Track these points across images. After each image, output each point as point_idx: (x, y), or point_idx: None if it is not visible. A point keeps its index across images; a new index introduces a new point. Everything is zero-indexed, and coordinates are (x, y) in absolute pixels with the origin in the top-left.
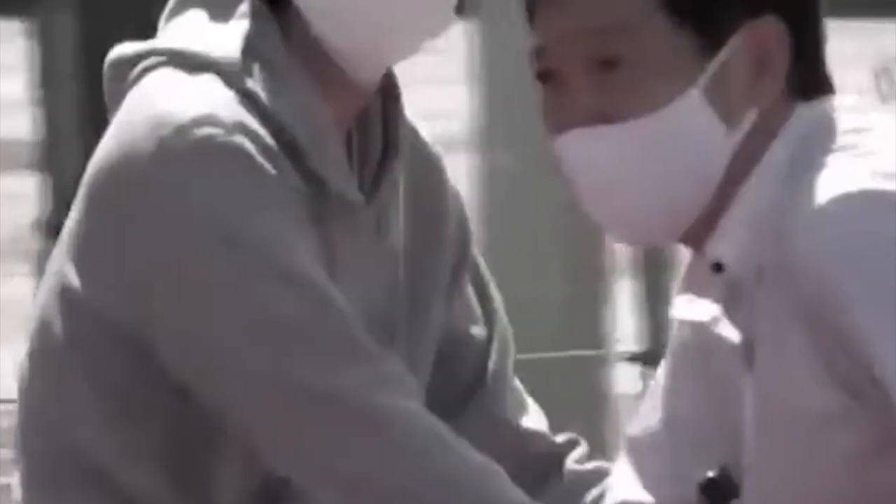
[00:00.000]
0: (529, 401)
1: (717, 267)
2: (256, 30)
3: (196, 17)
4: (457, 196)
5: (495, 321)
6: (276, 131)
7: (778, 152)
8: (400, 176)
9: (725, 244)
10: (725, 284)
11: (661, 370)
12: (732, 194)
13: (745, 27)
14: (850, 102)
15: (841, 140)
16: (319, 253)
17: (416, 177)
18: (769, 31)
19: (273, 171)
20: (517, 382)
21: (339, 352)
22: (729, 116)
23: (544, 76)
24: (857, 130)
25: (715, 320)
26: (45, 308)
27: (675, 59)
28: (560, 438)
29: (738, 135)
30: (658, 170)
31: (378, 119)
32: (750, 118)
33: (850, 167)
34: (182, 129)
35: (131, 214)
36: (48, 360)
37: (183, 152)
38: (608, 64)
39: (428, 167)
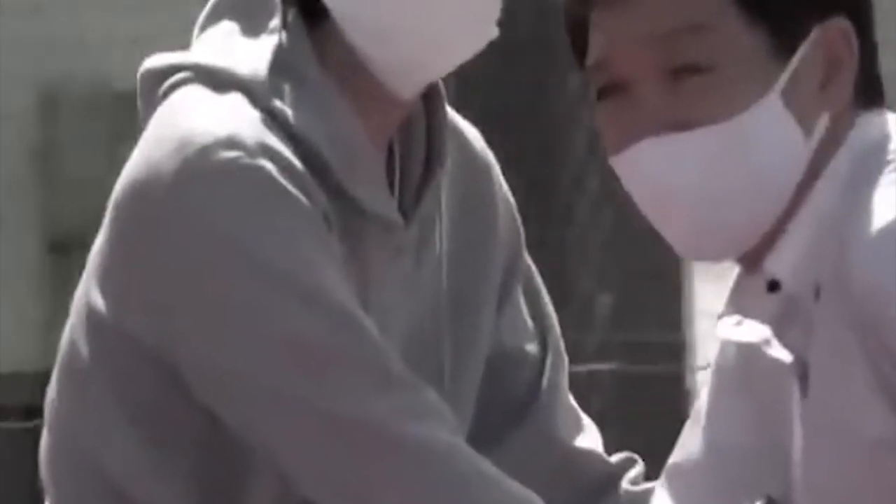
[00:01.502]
0: (585, 419)
1: (773, 285)
2: (287, 45)
3: (228, 29)
4: (507, 203)
5: (549, 335)
6: (303, 151)
7: (841, 163)
8: (444, 184)
9: (784, 260)
10: (780, 303)
11: (705, 394)
12: (794, 207)
13: (818, 28)
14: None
15: None
16: (353, 274)
17: (464, 183)
18: (840, 33)
19: (297, 193)
20: (571, 399)
21: (366, 379)
22: (804, 122)
23: (608, 90)
24: None
25: (766, 341)
26: (73, 329)
27: (752, 61)
28: (616, 458)
29: (813, 142)
30: (737, 178)
31: (422, 128)
32: (823, 124)
33: None
34: (205, 152)
35: (154, 235)
36: (76, 380)
37: (205, 175)
38: (683, 70)
39: (476, 173)
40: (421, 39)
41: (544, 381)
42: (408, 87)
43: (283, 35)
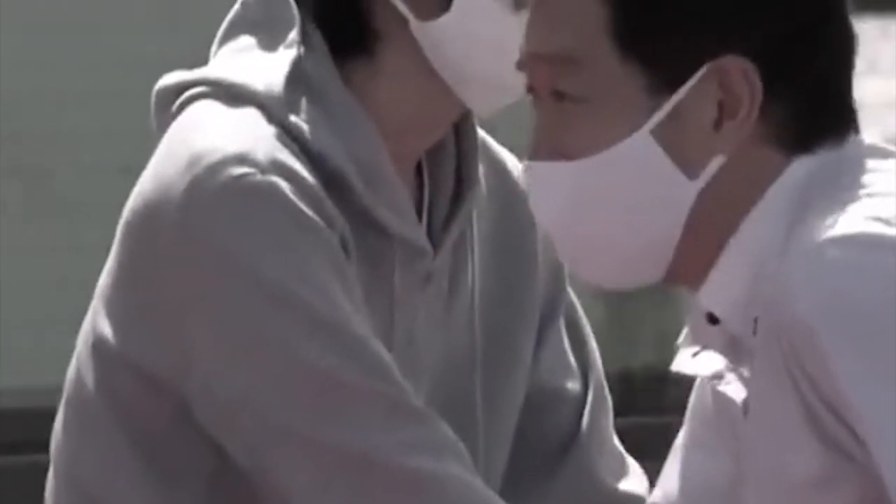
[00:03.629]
0: (630, 462)
1: (713, 319)
2: (306, 60)
3: (246, 44)
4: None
5: (591, 373)
6: (321, 170)
7: (779, 198)
8: (478, 212)
9: (718, 295)
10: (725, 336)
11: (683, 429)
12: (721, 244)
13: (707, 67)
14: (870, 144)
15: (848, 185)
16: (377, 301)
17: (500, 211)
18: (734, 72)
19: (311, 214)
20: (616, 440)
21: (378, 411)
22: (687, 161)
23: (529, 91)
24: (871, 171)
25: (718, 375)
26: (79, 359)
27: (625, 97)
28: None
29: (701, 182)
30: (606, 213)
31: (452, 152)
32: (715, 165)
33: (848, 212)
34: (215, 169)
35: (163, 258)
36: (82, 413)
37: (214, 193)
38: (559, 96)
39: (513, 201)
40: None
41: (585, 421)
42: (488, 105)
43: (302, 49)
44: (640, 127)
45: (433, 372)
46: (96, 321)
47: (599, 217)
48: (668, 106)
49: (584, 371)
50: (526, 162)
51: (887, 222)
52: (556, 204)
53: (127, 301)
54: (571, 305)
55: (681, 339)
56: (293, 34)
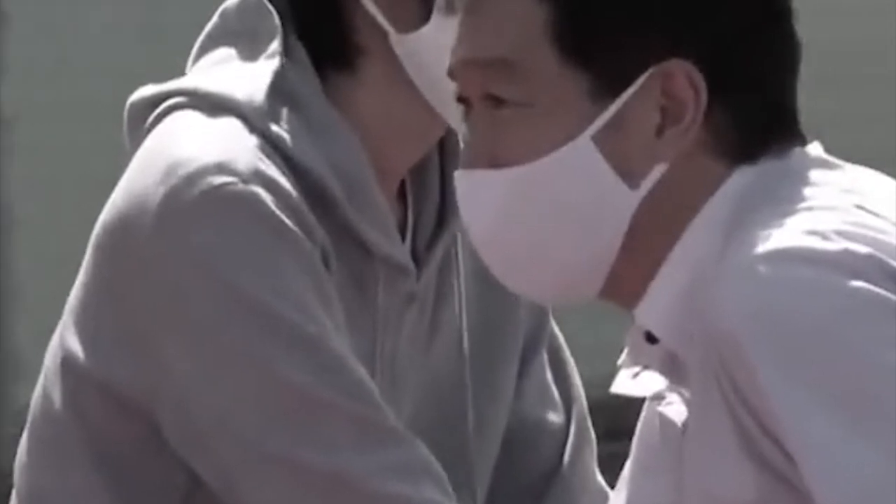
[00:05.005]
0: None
1: (651, 337)
2: (288, 71)
3: (224, 55)
4: None
5: (574, 406)
6: (303, 181)
7: (719, 209)
8: (462, 236)
9: (655, 311)
10: (664, 354)
11: (630, 457)
12: (660, 257)
13: (650, 73)
14: (816, 156)
15: (788, 197)
16: (358, 318)
17: None
18: (678, 76)
19: (292, 226)
20: (599, 477)
21: (351, 432)
22: (628, 169)
23: (460, 101)
24: (814, 184)
25: (659, 396)
26: (46, 380)
27: (565, 102)
28: None
29: (642, 191)
30: (542, 223)
31: (436, 174)
32: (656, 173)
33: (785, 225)
34: (192, 178)
35: (135, 271)
36: (48, 433)
37: (192, 202)
38: (496, 101)
39: None
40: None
41: (567, 454)
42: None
43: (284, 60)
44: (581, 133)
45: (415, 394)
46: (65, 337)
47: (534, 227)
48: (610, 111)
49: (567, 404)
50: (457, 172)
51: (824, 236)
52: (487, 214)
53: (98, 316)
54: (555, 337)
55: (621, 359)
56: (274, 45)
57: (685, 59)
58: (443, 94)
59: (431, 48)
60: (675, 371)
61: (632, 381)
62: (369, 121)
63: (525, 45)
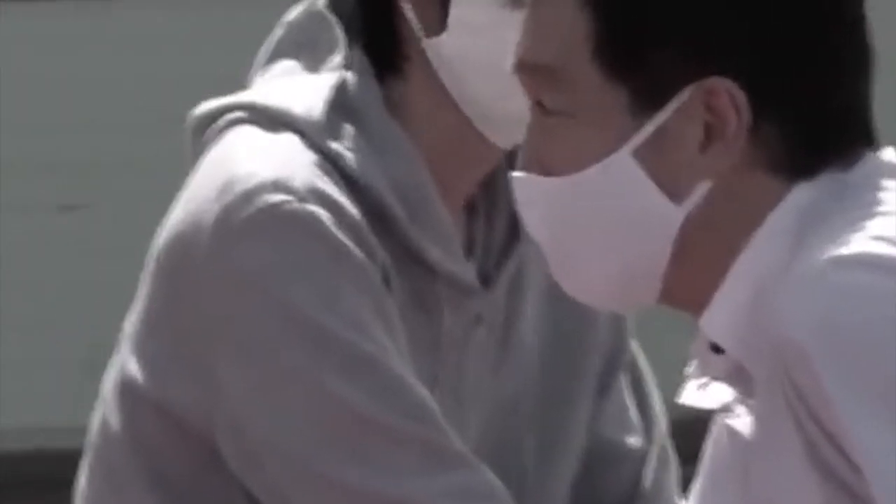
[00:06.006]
0: None
1: (716, 347)
2: (349, 84)
3: (286, 68)
4: None
5: (654, 429)
6: (363, 199)
7: (776, 227)
8: (535, 254)
9: (719, 322)
10: (730, 365)
11: (699, 473)
12: (719, 270)
13: (691, 88)
14: (887, 161)
15: (855, 205)
16: (421, 340)
17: None
18: (719, 94)
19: (350, 245)
20: (679, 500)
21: (413, 456)
22: (672, 185)
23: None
24: (882, 190)
25: (727, 408)
26: (105, 405)
27: (606, 114)
28: None
29: (687, 206)
30: (588, 233)
31: (505, 189)
32: (702, 189)
33: (852, 232)
34: (248, 196)
35: (191, 291)
36: (107, 457)
37: (247, 221)
38: (543, 108)
39: None
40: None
41: (647, 479)
42: (513, 136)
43: (346, 73)
44: (621, 147)
45: (482, 416)
46: (124, 361)
47: (581, 237)
48: (650, 126)
49: (647, 427)
50: (513, 174)
51: (892, 242)
52: (541, 218)
53: (156, 339)
54: (634, 359)
55: (689, 368)
56: (336, 57)
57: (728, 75)
58: (469, 104)
59: (451, 56)
60: (741, 382)
61: (699, 393)
62: (424, 134)
63: (568, 53)
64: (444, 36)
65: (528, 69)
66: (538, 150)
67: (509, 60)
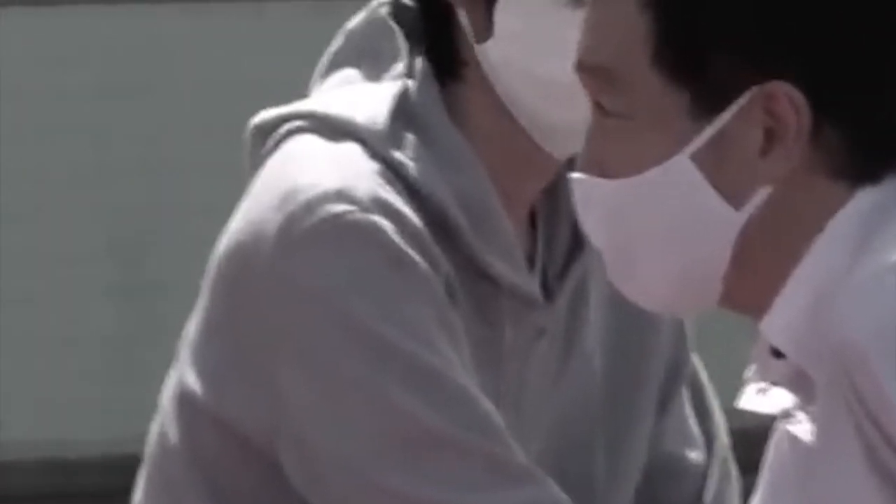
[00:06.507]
0: None
1: (778, 352)
2: (412, 93)
3: (348, 76)
4: None
5: (715, 442)
6: (426, 209)
7: (838, 233)
8: (597, 266)
9: (780, 327)
10: (792, 370)
11: (759, 483)
12: (779, 274)
13: (752, 91)
14: None
15: None
16: (484, 353)
17: None
18: (779, 99)
19: (415, 256)
20: None
21: (478, 469)
22: (731, 189)
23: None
24: None
25: (786, 414)
26: (163, 418)
27: (664, 118)
28: None
29: (747, 212)
30: (645, 236)
31: (569, 200)
32: (762, 194)
33: None
34: (310, 206)
35: (253, 302)
36: (164, 470)
37: (310, 231)
38: (602, 109)
39: None
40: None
41: (709, 493)
42: (568, 148)
43: (408, 82)
44: (680, 151)
45: (544, 429)
46: (182, 372)
47: (639, 240)
48: (710, 130)
49: (708, 440)
50: (572, 175)
51: None
52: (599, 221)
53: (217, 351)
54: (695, 372)
55: (748, 373)
56: (399, 65)
57: (788, 79)
58: (528, 113)
59: (502, 63)
60: (802, 387)
61: (759, 397)
62: (487, 143)
63: (627, 55)
64: (490, 42)
65: (588, 70)
66: (597, 151)
67: (551, 67)
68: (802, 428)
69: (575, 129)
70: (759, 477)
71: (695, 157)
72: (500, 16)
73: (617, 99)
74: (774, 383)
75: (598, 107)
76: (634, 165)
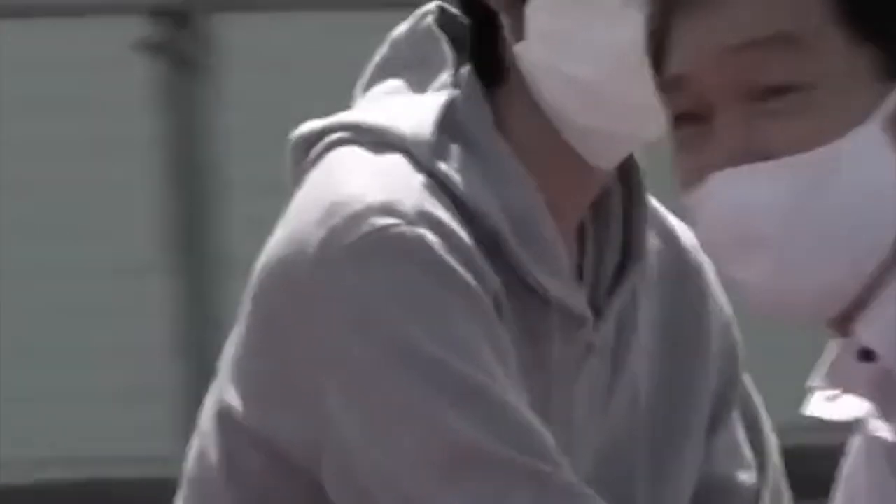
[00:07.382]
0: None
1: (866, 354)
2: (458, 104)
3: (392, 87)
4: (722, 312)
5: (767, 465)
6: (473, 223)
7: None
8: (646, 283)
9: (878, 324)
10: (879, 376)
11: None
12: (890, 267)
13: None
14: None
15: None
16: (532, 370)
17: (670, 285)
18: None
19: (462, 270)
20: None
21: (526, 487)
22: None
23: (686, 116)
24: None
25: (864, 419)
26: (202, 438)
27: (852, 83)
28: None
29: None
30: (827, 217)
31: (618, 214)
32: None
33: None
34: (354, 219)
35: (295, 318)
36: (204, 492)
37: (353, 245)
38: (770, 90)
39: (685, 274)
40: (629, 106)
41: None
42: (606, 157)
43: (455, 92)
44: (868, 120)
45: (593, 448)
46: (222, 389)
47: (811, 222)
48: None
49: (761, 463)
50: (716, 174)
51: None
52: (760, 211)
53: (258, 368)
54: (747, 394)
55: (813, 380)
56: (444, 75)
57: None
58: (564, 119)
59: (535, 65)
60: (888, 392)
61: (828, 405)
62: (533, 154)
63: (806, 16)
64: (524, 43)
65: (761, 44)
66: (753, 141)
67: (578, 67)
68: (882, 431)
69: (608, 136)
70: (834, 489)
71: (884, 126)
72: (531, 15)
73: (794, 68)
74: (848, 390)
75: (765, 90)
76: (811, 140)
